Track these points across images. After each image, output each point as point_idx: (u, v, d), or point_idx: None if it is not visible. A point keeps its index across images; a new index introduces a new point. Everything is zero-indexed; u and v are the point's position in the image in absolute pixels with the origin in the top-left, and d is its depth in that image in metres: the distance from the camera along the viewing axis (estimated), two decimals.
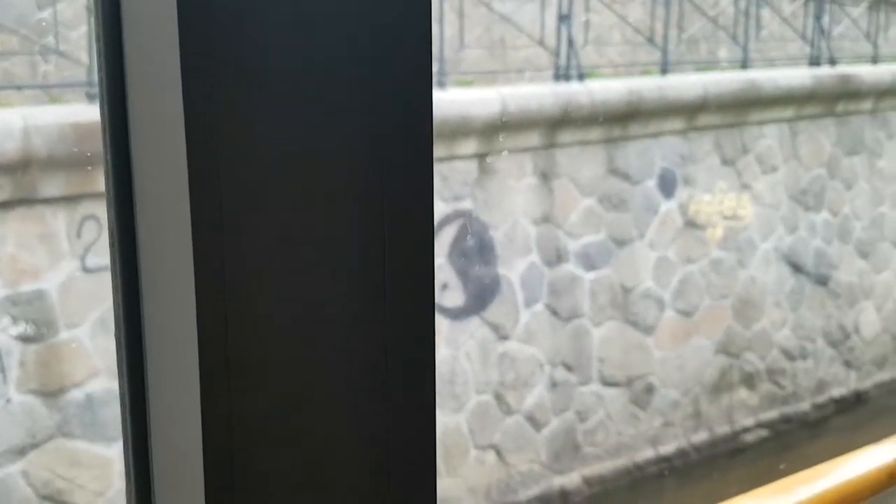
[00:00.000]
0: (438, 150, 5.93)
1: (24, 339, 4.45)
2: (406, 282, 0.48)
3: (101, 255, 4.62)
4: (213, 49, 0.42)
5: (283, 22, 0.43)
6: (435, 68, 6.61)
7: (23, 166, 4.34)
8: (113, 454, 4.73)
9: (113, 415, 4.71)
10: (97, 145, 4.34)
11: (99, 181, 4.51)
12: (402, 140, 0.51)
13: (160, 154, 0.46)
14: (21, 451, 4.46)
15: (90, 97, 4.85)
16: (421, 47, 0.48)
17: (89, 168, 4.53)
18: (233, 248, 0.43)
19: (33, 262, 4.47)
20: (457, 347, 6.20)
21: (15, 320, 4.40)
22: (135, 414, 0.46)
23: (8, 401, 4.51)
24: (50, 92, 5.30)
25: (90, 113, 4.63)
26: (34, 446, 4.52)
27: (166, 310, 0.44)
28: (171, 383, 0.43)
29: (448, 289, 6.09)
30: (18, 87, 5.37)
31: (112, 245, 0.47)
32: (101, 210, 4.57)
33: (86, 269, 4.62)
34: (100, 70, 0.50)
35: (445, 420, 6.20)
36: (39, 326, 4.49)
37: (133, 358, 0.46)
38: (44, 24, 5.30)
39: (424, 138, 0.49)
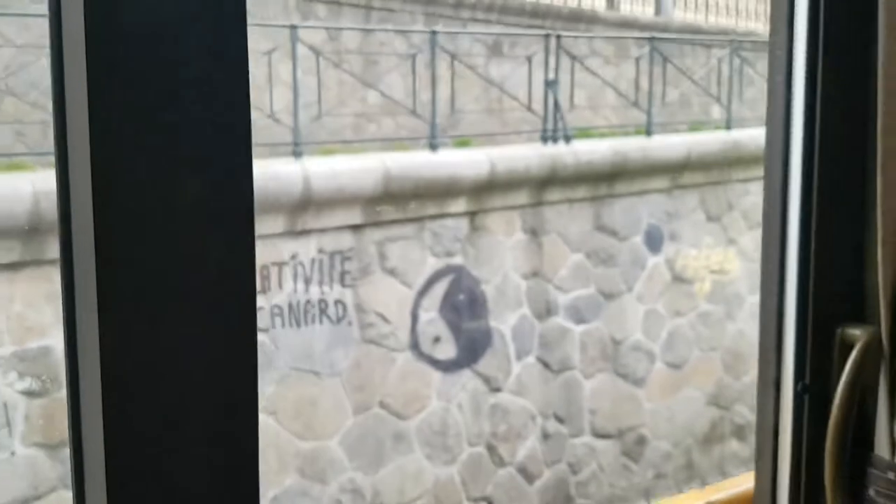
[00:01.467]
0: (429, 209, 6.20)
1: (30, 393, 4.65)
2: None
3: None
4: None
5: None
6: (427, 132, 6.94)
7: (32, 230, 4.61)
8: None
9: None
10: None
11: None
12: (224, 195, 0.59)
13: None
14: (24, 503, 4.62)
15: None
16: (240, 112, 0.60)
17: None
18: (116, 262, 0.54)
19: (40, 319, 4.70)
20: (448, 399, 6.36)
21: (21, 376, 4.61)
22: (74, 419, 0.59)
23: (13, 453, 4.68)
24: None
25: None
26: (36, 498, 4.68)
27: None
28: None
29: (440, 342, 6.29)
30: (37, 153, 5.68)
31: (62, 261, 0.58)
32: None
33: None
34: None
35: (437, 472, 6.33)
36: (44, 381, 4.69)
37: (73, 373, 0.60)
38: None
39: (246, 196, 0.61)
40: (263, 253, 5.33)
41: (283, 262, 5.41)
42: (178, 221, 0.58)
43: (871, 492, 0.76)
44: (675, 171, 7.74)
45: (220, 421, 0.61)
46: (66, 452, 4.81)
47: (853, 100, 0.79)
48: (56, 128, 0.58)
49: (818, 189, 0.80)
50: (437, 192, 6.15)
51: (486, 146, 7.93)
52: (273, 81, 7.08)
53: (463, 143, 9.05)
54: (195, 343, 0.59)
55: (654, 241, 7.71)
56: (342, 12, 11.18)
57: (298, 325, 5.51)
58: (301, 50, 6.21)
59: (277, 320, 5.40)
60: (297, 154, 5.87)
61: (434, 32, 6.93)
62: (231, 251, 0.62)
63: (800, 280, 0.80)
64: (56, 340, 4.76)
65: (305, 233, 5.51)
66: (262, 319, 5.36)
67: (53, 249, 4.75)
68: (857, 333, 0.77)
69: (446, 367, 6.34)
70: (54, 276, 4.78)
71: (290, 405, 5.54)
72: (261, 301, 5.34)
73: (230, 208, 0.61)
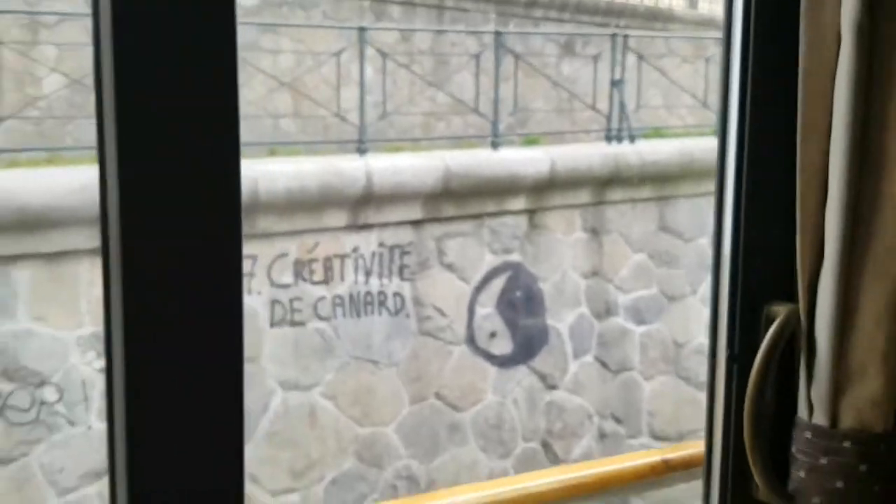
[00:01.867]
0: (489, 206, 6.32)
1: None
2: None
3: None
4: None
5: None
6: (488, 130, 7.05)
7: None
8: None
9: None
10: None
11: None
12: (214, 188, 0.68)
13: None
14: (98, 475, 4.97)
15: None
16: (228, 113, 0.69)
17: None
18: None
19: None
20: (504, 394, 6.48)
21: (99, 355, 4.97)
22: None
23: (89, 427, 5.05)
24: None
25: None
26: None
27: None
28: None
29: (496, 337, 6.40)
30: None
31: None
32: None
33: None
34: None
35: (492, 465, 6.45)
36: None
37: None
38: None
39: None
40: (326, 245, 5.56)
41: (344, 255, 5.63)
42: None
43: (794, 450, 0.86)
44: None
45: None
46: None
47: (781, 90, 0.88)
48: (97, 136, 0.70)
49: (748, 178, 0.90)
50: (496, 189, 6.27)
51: (555, 145, 7.99)
52: (343, 81, 7.33)
53: (531, 141, 9.13)
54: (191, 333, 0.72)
55: None
56: (416, 13, 11.39)
57: (358, 315, 5.72)
58: (371, 51, 6.43)
59: (338, 310, 5.63)
60: (361, 151, 6.09)
61: (498, 33, 7.05)
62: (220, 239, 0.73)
63: (732, 261, 0.90)
64: None
65: (367, 227, 5.72)
66: (324, 309, 5.60)
67: None
68: (780, 310, 0.87)
69: (502, 362, 6.45)
70: None
71: (349, 392, 5.77)
72: (323, 291, 5.58)
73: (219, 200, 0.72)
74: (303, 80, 8.71)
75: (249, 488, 5.30)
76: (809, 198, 0.82)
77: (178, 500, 0.71)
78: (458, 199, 6.12)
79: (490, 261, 6.40)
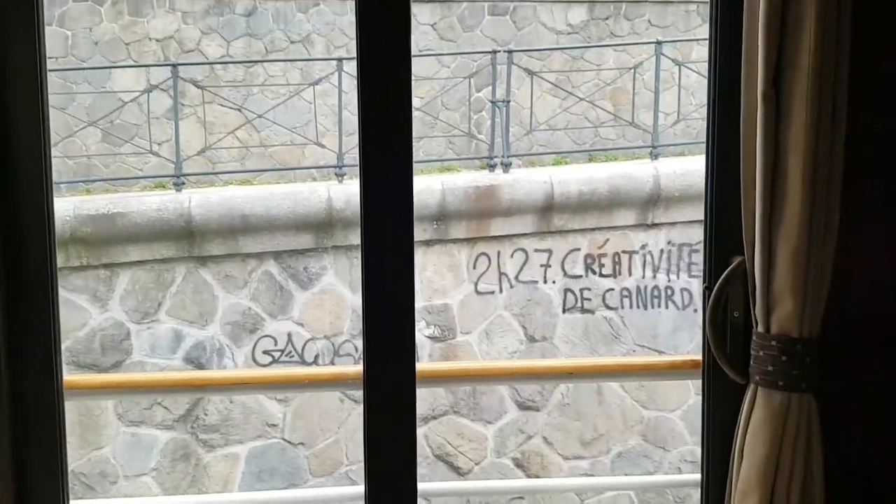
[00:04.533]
0: None
1: (433, 338, 6.18)
2: None
3: (489, 282, 6.16)
4: None
5: None
6: None
7: (441, 216, 6.09)
8: (488, 432, 6.19)
9: (489, 402, 6.17)
10: (490, 202, 5.89)
11: (488, 229, 6.08)
12: None
13: None
14: (425, 420, 6.15)
15: (489, 167, 6.49)
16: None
17: (482, 218, 6.12)
18: None
19: (443, 284, 6.20)
20: None
21: (428, 325, 6.15)
22: None
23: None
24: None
25: (488, 178, 6.25)
26: (434, 418, 6.20)
27: None
28: None
29: None
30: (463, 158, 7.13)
31: None
32: (490, 249, 6.11)
33: (478, 292, 6.19)
34: None
35: None
36: (444, 330, 6.18)
37: None
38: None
39: None
40: (616, 242, 6.16)
41: (632, 251, 6.17)
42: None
43: (750, 348, 1.35)
44: None
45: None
46: (456, 388, 6.22)
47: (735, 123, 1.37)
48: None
49: (717, 174, 1.41)
50: None
51: None
52: (662, 88, 7.67)
53: None
54: None
55: None
56: None
57: (645, 307, 6.22)
58: (665, 62, 6.81)
59: (626, 301, 6.19)
60: (653, 156, 6.55)
61: None
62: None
63: (708, 225, 1.42)
64: (453, 300, 6.21)
65: (655, 226, 6.18)
66: (612, 299, 6.20)
67: (454, 232, 6.19)
68: (737, 259, 1.36)
69: None
70: (454, 252, 6.24)
71: None
72: (611, 283, 6.18)
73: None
74: (624, 88, 9.22)
75: (545, 450, 6.12)
76: (748, 187, 1.32)
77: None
78: None
79: None
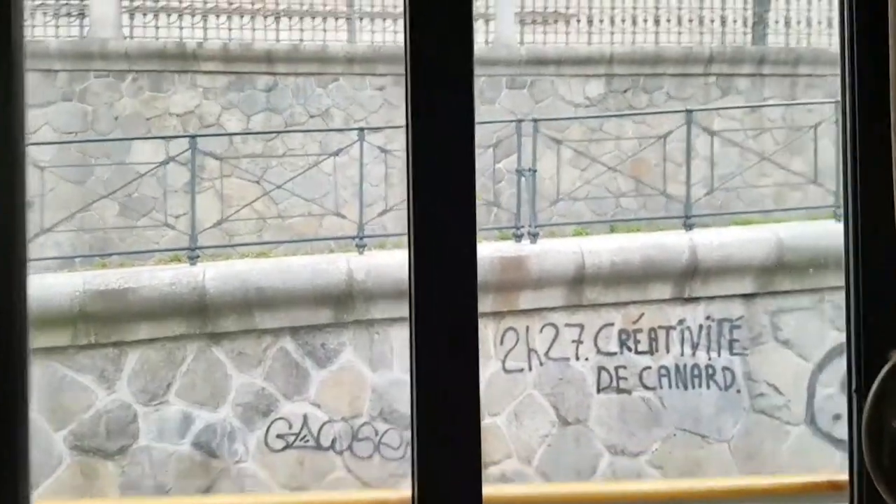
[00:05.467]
0: (830, 280, 6.01)
1: None
2: None
3: (517, 359, 5.79)
4: None
5: None
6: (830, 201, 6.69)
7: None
8: None
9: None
10: (518, 274, 5.58)
11: (516, 302, 5.75)
12: None
13: None
14: None
15: (516, 237, 6.22)
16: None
17: (509, 291, 5.81)
18: None
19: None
20: None
21: None
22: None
23: None
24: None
25: (514, 248, 5.97)
26: None
27: None
28: None
29: (841, 420, 5.96)
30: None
31: None
32: (518, 323, 5.78)
33: (505, 370, 5.83)
34: None
35: None
36: None
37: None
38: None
39: None
40: (652, 317, 5.80)
41: (670, 327, 5.80)
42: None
43: None
44: None
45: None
46: (484, 475, 5.81)
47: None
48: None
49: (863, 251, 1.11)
50: (838, 262, 5.94)
51: None
52: (682, 158, 7.51)
53: None
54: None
55: None
56: (766, 83, 11.18)
57: (685, 387, 5.81)
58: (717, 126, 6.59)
59: (664, 381, 5.79)
60: (687, 226, 6.26)
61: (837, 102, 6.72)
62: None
63: (855, 314, 1.12)
64: (479, 378, 5.81)
65: (693, 300, 5.83)
66: (649, 378, 5.81)
67: (481, 306, 5.85)
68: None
69: None
70: (480, 327, 5.88)
71: (676, 463, 5.83)
72: (648, 361, 5.80)
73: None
74: (644, 159, 9.08)
75: None
76: None
77: None
78: (794, 272, 5.94)
79: (835, 338, 6.04)
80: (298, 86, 10.13)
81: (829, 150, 7.57)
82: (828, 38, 11.97)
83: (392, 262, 5.77)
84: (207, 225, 7.44)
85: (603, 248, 5.76)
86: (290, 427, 5.49)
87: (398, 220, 8.62)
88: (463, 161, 1.03)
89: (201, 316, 5.51)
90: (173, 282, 5.50)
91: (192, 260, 6.09)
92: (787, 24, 12.20)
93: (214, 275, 5.54)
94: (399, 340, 5.58)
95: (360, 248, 6.31)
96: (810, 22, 12.09)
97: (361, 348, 5.53)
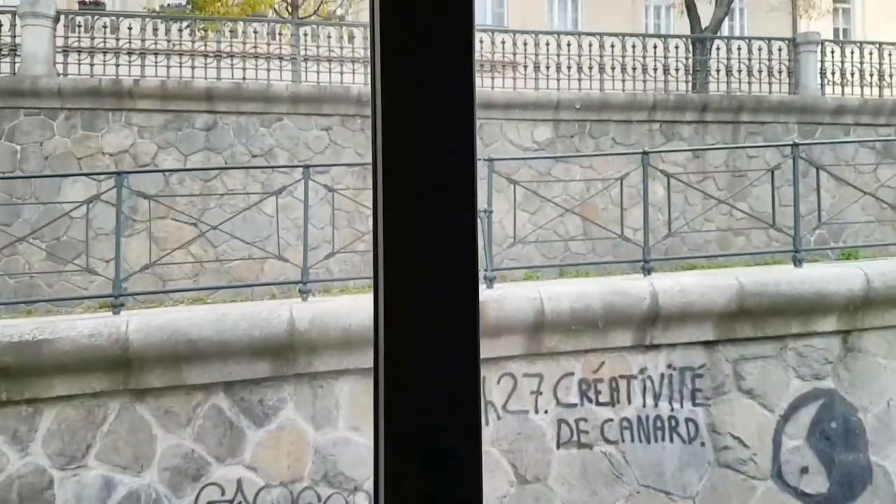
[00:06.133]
0: (792, 327, 5.84)
1: None
2: None
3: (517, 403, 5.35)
4: None
5: None
6: (790, 245, 6.60)
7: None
8: None
9: None
10: None
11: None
12: None
13: None
14: None
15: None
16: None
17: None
18: None
19: None
20: None
21: None
22: None
23: None
24: None
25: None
26: None
27: None
28: None
29: (809, 473, 5.72)
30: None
31: None
32: (516, 368, 5.37)
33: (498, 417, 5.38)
34: None
35: None
36: None
37: None
38: None
39: None
40: (613, 365, 5.51)
41: (631, 376, 5.52)
42: None
43: None
44: None
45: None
46: None
47: None
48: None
49: None
50: (800, 309, 5.78)
51: (878, 258, 7.24)
52: (632, 202, 7.40)
53: (848, 255, 8.33)
54: None
55: None
56: (708, 130, 11.26)
57: (648, 440, 5.51)
58: (661, 170, 6.46)
59: (626, 434, 5.47)
60: (646, 270, 6.03)
61: (795, 144, 6.68)
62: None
63: None
64: None
65: (654, 347, 5.57)
66: (611, 432, 5.49)
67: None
68: None
69: (817, 502, 5.73)
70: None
71: None
72: (609, 413, 5.48)
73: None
74: (592, 203, 8.97)
75: None
76: None
77: None
78: (755, 318, 5.74)
79: (797, 387, 5.84)
80: (240, 125, 9.76)
81: (787, 194, 7.47)
82: (768, 87, 12.21)
83: (339, 308, 5.37)
84: (137, 269, 6.94)
85: (562, 293, 5.47)
86: (223, 493, 4.97)
87: (345, 264, 8.23)
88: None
89: (124, 370, 4.99)
90: (93, 333, 4.98)
91: (116, 308, 5.58)
92: (729, 72, 12.41)
93: (139, 325, 5.05)
94: (346, 395, 5.14)
95: (304, 293, 5.89)
96: (751, 70, 12.31)
97: (303, 404, 5.07)
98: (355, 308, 5.33)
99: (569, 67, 11.71)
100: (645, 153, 6.39)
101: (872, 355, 5.92)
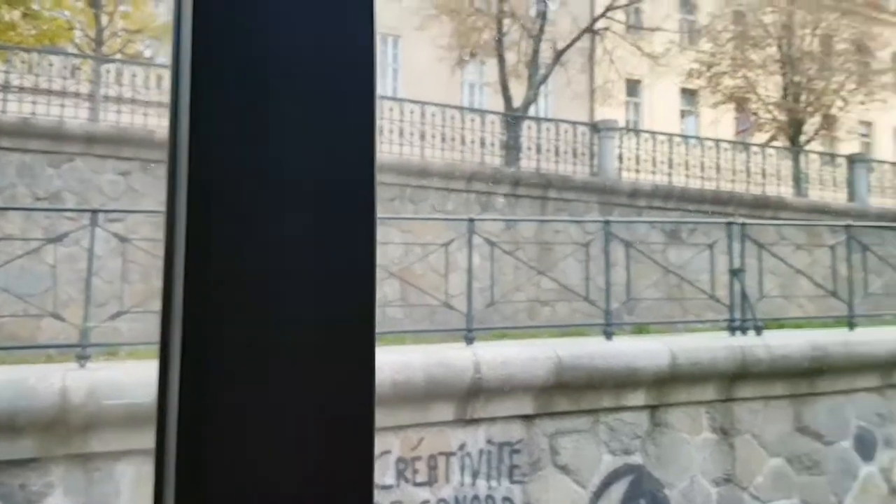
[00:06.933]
0: (605, 401, 5.88)
1: None
2: None
3: None
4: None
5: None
6: (601, 318, 6.75)
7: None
8: None
9: None
10: None
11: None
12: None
13: None
14: None
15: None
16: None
17: None
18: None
19: None
20: None
21: None
22: None
23: None
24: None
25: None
26: None
27: None
28: None
29: None
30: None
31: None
32: None
33: None
34: None
35: None
36: None
37: None
38: None
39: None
40: (432, 442, 5.22)
41: (450, 453, 5.25)
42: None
43: None
44: (886, 368, 6.91)
45: None
46: None
47: None
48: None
49: None
50: (613, 382, 5.85)
51: (666, 334, 7.57)
52: (450, 269, 7.30)
53: (641, 330, 8.72)
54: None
55: (866, 447, 6.78)
56: (519, 203, 11.63)
57: None
58: (477, 240, 6.40)
59: None
60: (468, 340, 5.87)
61: (607, 221, 6.92)
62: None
63: None
64: None
65: (475, 422, 5.36)
66: None
67: None
68: None
69: None
70: None
71: None
72: (427, 494, 5.15)
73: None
74: (411, 269, 8.81)
75: None
76: None
77: None
78: (571, 392, 5.72)
79: (609, 462, 5.85)
80: (25, 163, 8.68)
81: (591, 268, 7.68)
82: (573, 167, 12.93)
83: (124, 376, 4.66)
84: None
85: (383, 362, 5.13)
86: None
87: (136, 324, 7.37)
88: None
89: None
90: None
91: None
92: (539, 150, 13.02)
93: None
94: (128, 480, 4.40)
95: (82, 359, 5.06)
96: (558, 150, 12.99)
97: (75, 490, 4.26)
98: (145, 376, 4.65)
99: (390, 132, 11.69)
100: (471, 220, 6.30)
101: (678, 430, 6.09)
